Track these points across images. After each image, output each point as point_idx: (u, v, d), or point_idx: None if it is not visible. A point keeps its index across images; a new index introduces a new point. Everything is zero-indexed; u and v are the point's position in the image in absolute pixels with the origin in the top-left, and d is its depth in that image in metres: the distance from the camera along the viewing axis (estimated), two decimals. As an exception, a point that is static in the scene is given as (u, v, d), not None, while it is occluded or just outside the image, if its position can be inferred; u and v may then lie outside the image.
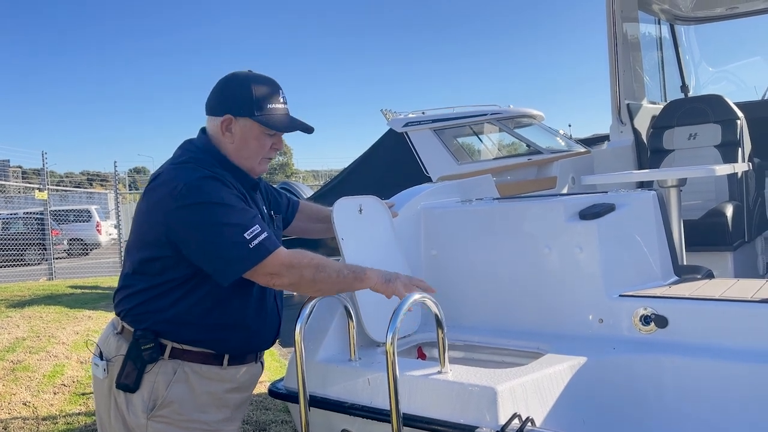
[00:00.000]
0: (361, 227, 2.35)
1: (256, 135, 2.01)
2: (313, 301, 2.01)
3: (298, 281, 1.90)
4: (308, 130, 2.11)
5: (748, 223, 3.93)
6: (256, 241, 1.83)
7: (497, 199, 2.81)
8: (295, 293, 2.52)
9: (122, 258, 13.67)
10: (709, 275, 2.88)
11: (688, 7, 5.05)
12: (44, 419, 4.39)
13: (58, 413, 4.49)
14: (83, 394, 4.85)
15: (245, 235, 1.83)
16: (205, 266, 1.88)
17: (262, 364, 2.18)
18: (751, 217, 4.01)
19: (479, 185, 3.02)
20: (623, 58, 4.38)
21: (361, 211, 2.36)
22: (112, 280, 12.19)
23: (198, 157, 1.98)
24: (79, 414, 4.47)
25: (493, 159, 9.14)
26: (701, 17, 5.24)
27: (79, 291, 10.61)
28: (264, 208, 2.16)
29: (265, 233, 1.87)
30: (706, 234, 3.60)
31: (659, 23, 5.10)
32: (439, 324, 1.85)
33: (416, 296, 1.79)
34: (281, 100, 2.04)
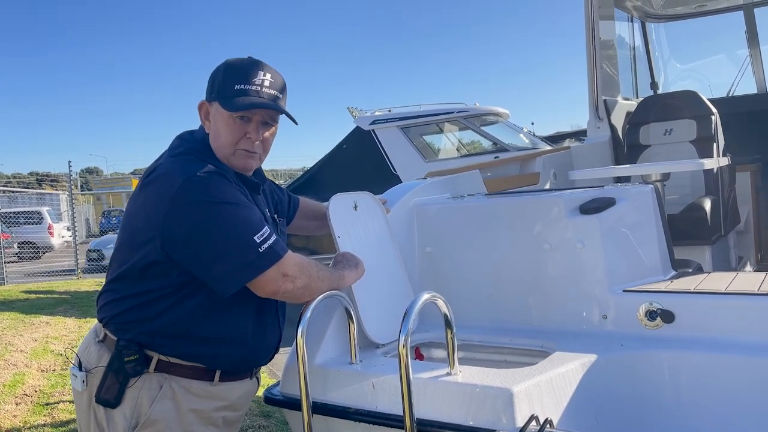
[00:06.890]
0: (357, 224, 2.26)
1: (225, 120, 1.79)
2: (314, 303, 1.90)
3: (304, 286, 1.77)
4: (282, 112, 1.84)
5: (723, 217, 3.99)
6: (266, 245, 1.68)
7: (489, 195, 2.75)
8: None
9: (77, 261, 13.26)
10: (699, 269, 2.89)
11: (660, 5, 5.13)
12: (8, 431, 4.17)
13: (21, 425, 4.26)
14: (47, 404, 4.62)
15: (255, 238, 1.67)
16: (203, 274, 1.71)
17: (258, 379, 2.02)
18: (726, 211, 4.07)
19: (468, 181, 2.97)
20: (600, 55, 4.40)
21: (356, 207, 2.28)
22: (68, 284, 11.77)
23: (197, 149, 1.82)
24: (44, 425, 4.25)
25: (460, 157, 9.19)
26: (671, 15, 5.33)
27: (33, 296, 10.20)
28: (267, 212, 1.97)
29: (274, 236, 1.73)
30: (686, 228, 3.63)
31: (632, 21, 5.17)
32: (448, 324, 1.78)
33: (426, 296, 1.72)
34: (257, 81, 1.78)
